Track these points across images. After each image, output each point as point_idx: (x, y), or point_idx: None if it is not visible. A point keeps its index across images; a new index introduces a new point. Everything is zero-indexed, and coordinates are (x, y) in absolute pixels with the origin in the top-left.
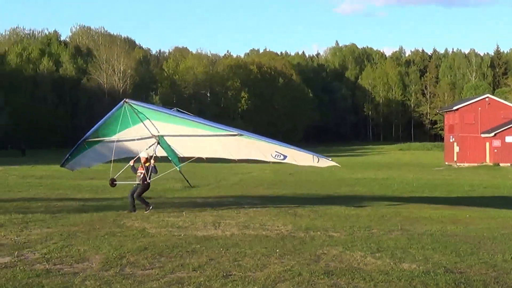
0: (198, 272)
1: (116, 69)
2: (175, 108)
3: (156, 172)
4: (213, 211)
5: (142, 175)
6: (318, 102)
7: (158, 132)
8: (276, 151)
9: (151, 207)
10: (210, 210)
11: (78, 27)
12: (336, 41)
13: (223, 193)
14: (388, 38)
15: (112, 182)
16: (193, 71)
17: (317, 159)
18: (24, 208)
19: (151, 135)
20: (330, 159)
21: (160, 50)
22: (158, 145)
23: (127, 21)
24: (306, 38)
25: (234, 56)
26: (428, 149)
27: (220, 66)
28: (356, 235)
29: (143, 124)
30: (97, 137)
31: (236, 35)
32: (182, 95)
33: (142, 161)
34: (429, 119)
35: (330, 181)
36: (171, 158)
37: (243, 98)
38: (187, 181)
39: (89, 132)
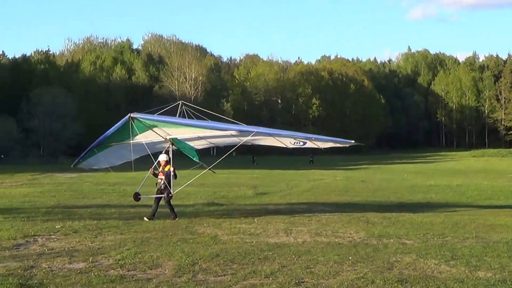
0: (271, 279)
1: (187, 77)
2: (180, 102)
3: (176, 177)
4: (285, 218)
5: (162, 181)
6: (390, 108)
7: (170, 135)
8: (294, 140)
9: (175, 217)
10: (282, 217)
11: (150, 35)
12: (408, 47)
13: (295, 200)
14: (461, 43)
15: (137, 197)
16: (264, 78)
17: (337, 143)
18: (98, 214)
19: (163, 139)
20: (353, 141)
21: (231, 57)
22: (173, 146)
23: (198, 29)
24: (378, 44)
25: (305, 62)
26: (503, 155)
27: (291, 73)
28: (430, 242)
29: (152, 130)
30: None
31: (307, 42)
32: (253, 102)
33: (162, 165)
34: (503, 125)
35: (402, 188)
36: (189, 154)
37: (314, 105)
38: (211, 170)
39: (95, 143)
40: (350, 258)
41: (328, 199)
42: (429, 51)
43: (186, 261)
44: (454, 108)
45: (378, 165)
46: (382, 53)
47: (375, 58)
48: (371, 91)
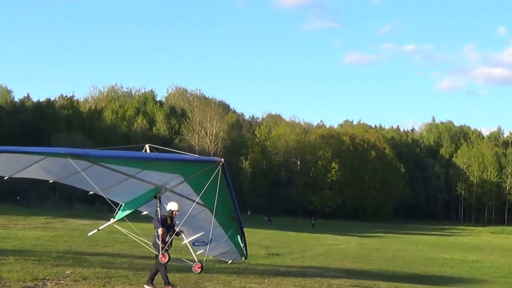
0: None
1: (208, 132)
2: (147, 145)
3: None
4: (296, 281)
5: (172, 238)
6: (409, 178)
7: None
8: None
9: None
10: (292, 279)
11: (174, 88)
12: (433, 117)
13: (307, 263)
14: (487, 118)
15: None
16: (285, 139)
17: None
18: (108, 263)
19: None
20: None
21: (253, 116)
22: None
23: (222, 85)
24: (402, 113)
25: (327, 126)
26: None
27: (312, 135)
28: None
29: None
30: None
31: (331, 106)
32: (272, 162)
33: (174, 216)
34: None
35: (417, 259)
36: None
37: (334, 169)
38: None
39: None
40: None
41: (340, 265)
42: (453, 123)
43: None
44: (474, 182)
45: (394, 235)
46: (406, 122)
47: (398, 126)
48: (391, 159)
